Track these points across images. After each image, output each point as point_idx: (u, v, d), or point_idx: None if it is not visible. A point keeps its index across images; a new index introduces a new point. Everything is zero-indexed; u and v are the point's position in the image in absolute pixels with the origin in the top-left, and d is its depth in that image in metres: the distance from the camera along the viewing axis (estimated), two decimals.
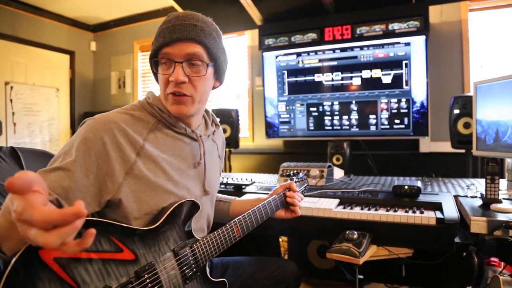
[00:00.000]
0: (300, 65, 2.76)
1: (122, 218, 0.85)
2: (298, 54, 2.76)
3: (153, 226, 0.83)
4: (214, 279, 0.95)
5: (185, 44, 0.87)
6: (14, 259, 0.62)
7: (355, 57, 2.59)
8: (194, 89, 0.92)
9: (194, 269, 0.89)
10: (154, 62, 0.92)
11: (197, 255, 0.90)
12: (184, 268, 0.87)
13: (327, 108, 2.70)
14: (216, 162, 1.16)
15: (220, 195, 1.31)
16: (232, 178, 2.06)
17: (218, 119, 1.19)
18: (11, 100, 3.65)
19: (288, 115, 2.83)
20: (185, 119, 0.99)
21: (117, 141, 0.84)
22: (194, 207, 0.94)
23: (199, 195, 1.02)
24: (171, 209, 0.88)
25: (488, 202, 1.39)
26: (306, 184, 1.46)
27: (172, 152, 0.95)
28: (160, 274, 0.81)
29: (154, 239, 0.83)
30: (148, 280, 0.78)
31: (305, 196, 1.71)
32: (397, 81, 2.48)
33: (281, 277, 1.22)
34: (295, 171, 1.45)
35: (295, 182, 1.33)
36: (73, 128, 4.24)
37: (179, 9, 2.82)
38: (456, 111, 2.15)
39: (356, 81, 2.59)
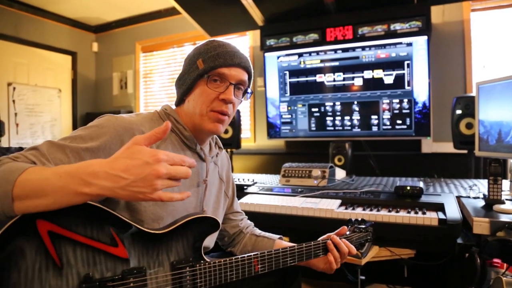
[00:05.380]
0: (302, 65, 2.76)
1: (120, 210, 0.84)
2: (300, 55, 2.76)
3: (160, 232, 0.80)
4: None
5: (240, 70, 0.97)
6: (12, 221, 0.63)
7: (357, 57, 2.58)
8: (232, 111, 1.00)
9: None
10: (205, 77, 0.95)
11: (197, 277, 0.83)
12: (177, 286, 0.80)
13: (329, 108, 2.69)
14: (217, 183, 1.13)
15: (262, 232, 1.24)
16: (233, 179, 2.06)
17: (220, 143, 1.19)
18: (13, 101, 3.66)
19: (289, 116, 2.83)
20: (201, 136, 1.01)
21: None
22: (213, 225, 0.88)
23: (191, 208, 0.99)
24: (186, 220, 0.84)
25: (491, 203, 1.39)
26: (368, 238, 1.15)
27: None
28: (149, 283, 0.77)
29: (156, 245, 0.79)
30: (132, 285, 0.74)
31: (307, 197, 1.71)
32: (399, 82, 2.47)
33: (281, 274, 1.21)
34: (359, 219, 1.18)
35: (354, 231, 1.13)
36: (75, 129, 4.26)
37: (181, 10, 2.82)
38: (459, 112, 2.15)
39: (358, 82, 2.59)
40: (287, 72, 2.81)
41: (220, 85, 0.95)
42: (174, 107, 1.05)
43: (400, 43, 2.45)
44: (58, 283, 0.67)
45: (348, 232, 1.11)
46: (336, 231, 1.10)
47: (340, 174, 2.18)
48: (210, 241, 1.05)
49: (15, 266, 0.64)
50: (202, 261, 0.85)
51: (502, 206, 1.33)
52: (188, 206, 0.98)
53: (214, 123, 0.95)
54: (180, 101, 1.01)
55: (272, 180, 2.20)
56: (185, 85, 0.97)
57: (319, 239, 1.10)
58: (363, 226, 1.14)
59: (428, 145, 2.68)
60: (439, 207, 1.45)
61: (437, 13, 2.68)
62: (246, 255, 0.92)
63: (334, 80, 2.66)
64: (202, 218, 0.86)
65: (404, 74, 2.46)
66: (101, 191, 0.65)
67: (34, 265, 0.65)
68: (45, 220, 0.67)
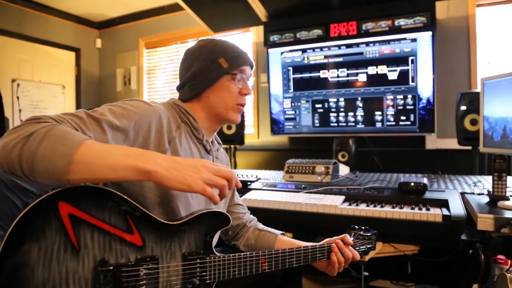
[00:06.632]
0: (306, 61, 2.75)
1: (138, 198, 0.86)
2: (304, 51, 2.75)
3: (174, 223, 0.83)
4: None
5: (250, 68, 1.12)
6: (35, 201, 0.67)
7: (361, 53, 2.57)
8: None
9: (197, 283, 0.85)
10: (230, 74, 1.05)
11: (206, 270, 0.87)
12: (187, 276, 0.84)
13: (332, 104, 2.69)
14: None
15: (265, 227, 1.25)
16: (237, 175, 2.07)
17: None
18: (17, 97, 3.68)
19: (293, 112, 2.83)
20: (214, 127, 1.10)
21: (161, 125, 0.91)
22: (224, 221, 0.91)
23: (202, 204, 1.02)
24: (200, 213, 0.86)
25: (495, 199, 1.38)
26: (370, 246, 1.16)
27: (189, 155, 1.00)
28: (160, 271, 0.80)
29: (169, 235, 0.82)
30: (145, 271, 0.77)
31: (310, 193, 1.71)
32: (403, 78, 2.46)
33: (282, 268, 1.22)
34: (363, 227, 1.19)
35: (358, 238, 1.14)
36: None
37: (184, 6, 2.81)
38: (463, 108, 2.14)
39: (362, 78, 2.58)
40: (290, 68, 2.80)
41: (240, 81, 1.07)
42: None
43: (405, 38, 2.44)
44: (75, 265, 0.71)
45: (352, 238, 1.13)
46: (339, 237, 1.12)
47: (344, 170, 2.18)
48: (216, 236, 1.07)
49: (36, 244, 0.67)
50: (212, 255, 0.88)
51: (506, 203, 1.32)
52: (201, 199, 1.01)
53: (237, 115, 1.08)
54: (195, 96, 1.06)
55: (276, 176, 2.20)
56: (207, 82, 1.04)
57: (323, 241, 1.11)
58: (368, 234, 1.16)
59: (432, 141, 2.67)
60: (443, 203, 1.44)
61: (442, 9, 2.66)
62: (254, 252, 0.94)
63: (338, 76, 2.66)
64: (215, 212, 0.89)
65: (408, 70, 2.44)
66: (159, 168, 0.72)
67: (53, 245, 0.69)
68: (67, 202, 0.70)
